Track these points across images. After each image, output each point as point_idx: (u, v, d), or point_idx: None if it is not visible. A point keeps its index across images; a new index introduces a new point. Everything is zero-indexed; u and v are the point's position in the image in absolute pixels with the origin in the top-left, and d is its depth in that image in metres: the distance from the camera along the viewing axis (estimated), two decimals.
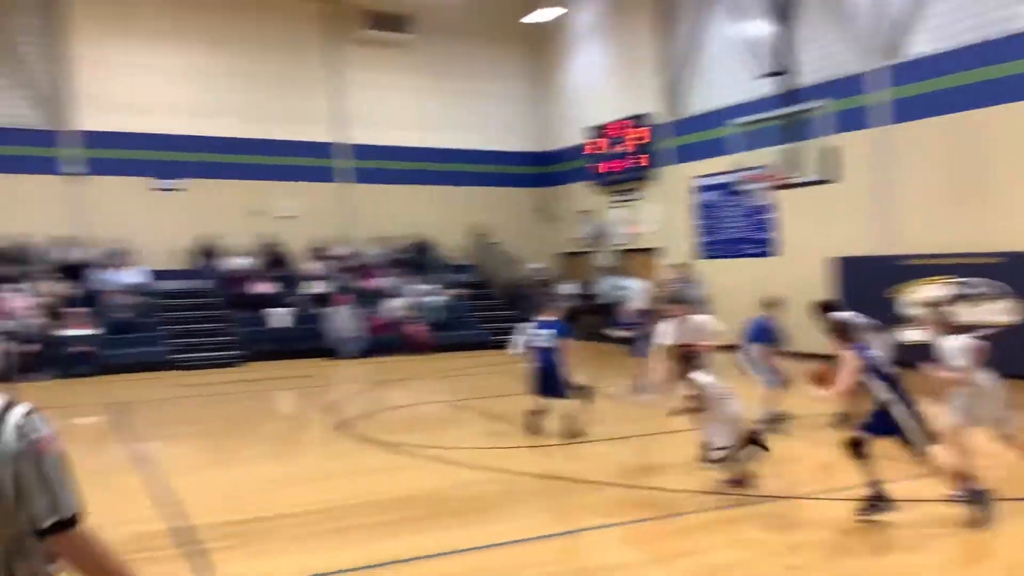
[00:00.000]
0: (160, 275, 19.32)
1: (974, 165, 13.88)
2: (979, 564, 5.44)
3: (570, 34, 23.19)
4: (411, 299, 20.12)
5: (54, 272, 18.18)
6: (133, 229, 19.26)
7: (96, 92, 19.31)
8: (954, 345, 6.25)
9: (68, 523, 2.11)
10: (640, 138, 20.52)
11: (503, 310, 20.36)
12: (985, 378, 6.24)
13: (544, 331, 9.56)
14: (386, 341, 18.99)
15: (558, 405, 9.46)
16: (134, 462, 8.91)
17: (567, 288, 21.72)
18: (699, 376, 7.05)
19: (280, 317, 19.00)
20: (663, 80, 20.02)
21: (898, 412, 5.70)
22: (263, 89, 21.08)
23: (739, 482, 6.86)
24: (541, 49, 23.98)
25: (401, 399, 13.93)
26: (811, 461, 8.24)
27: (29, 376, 15.73)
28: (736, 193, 17.20)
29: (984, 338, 6.68)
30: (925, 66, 14.57)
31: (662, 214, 20.33)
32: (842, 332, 6.11)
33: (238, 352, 17.89)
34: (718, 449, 6.94)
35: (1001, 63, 13.43)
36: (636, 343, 12.03)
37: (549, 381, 9.40)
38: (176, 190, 20.18)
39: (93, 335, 16.80)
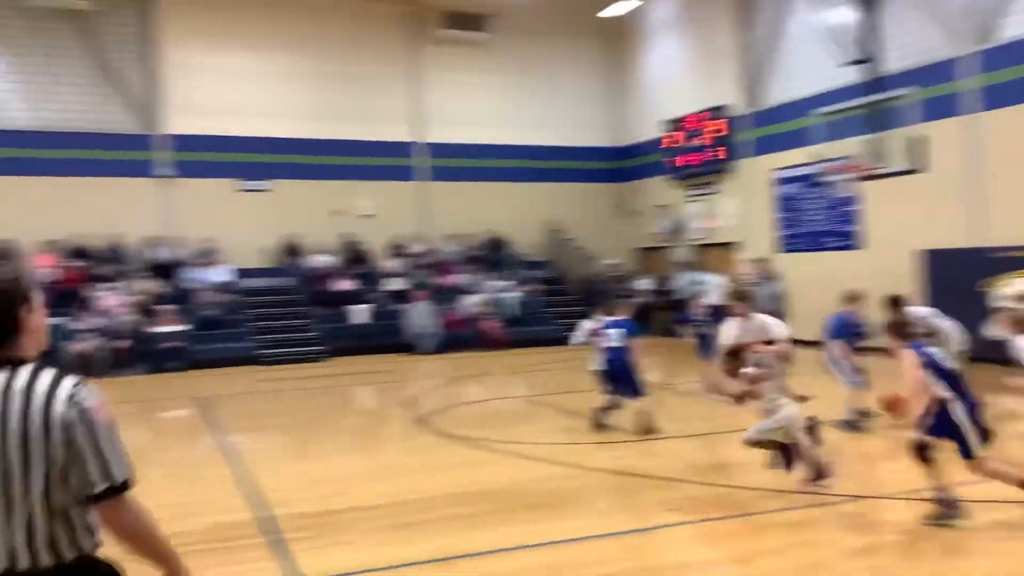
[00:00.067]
0: (245, 273, 19.97)
1: None
2: None
3: (646, 27, 22.95)
4: (486, 295, 20.27)
5: (146, 271, 18.95)
6: (220, 229, 19.95)
7: (185, 97, 20.05)
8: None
9: (119, 488, 2.20)
10: (718, 130, 20.19)
11: (578, 306, 20.31)
12: None
13: (614, 330, 9.57)
14: (462, 337, 19.18)
15: (631, 402, 9.45)
16: (221, 454, 9.23)
17: (643, 284, 21.56)
18: (751, 370, 6.92)
19: (360, 313, 19.39)
20: (742, 71, 19.65)
21: (956, 411, 5.51)
22: (345, 91, 21.51)
23: (820, 475, 6.73)
24: (617, 43, 23.81)
25: (477, 394, 14.07)
26: (892, 461, 7.97)
27: (122, 371, 16.47)
28: (818, 185, 16.79)
29: None
30: (1018, 50, 13.93)
31: (740, 208, 19.97)
32: (899, 330, 5.95)
33: (320, 348, 18.34)
34: (757, 433, 6.80)
35: None
36: (705, 340, 11.83)
37: (620, 379, 9.43)
38: (261, 191, 20.80)
39: (183, 331, 17.46)
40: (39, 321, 2.34)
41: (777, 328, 7.99)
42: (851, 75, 16.03)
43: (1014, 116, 13.94)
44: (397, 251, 21.43)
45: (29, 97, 19.24)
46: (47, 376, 2.20)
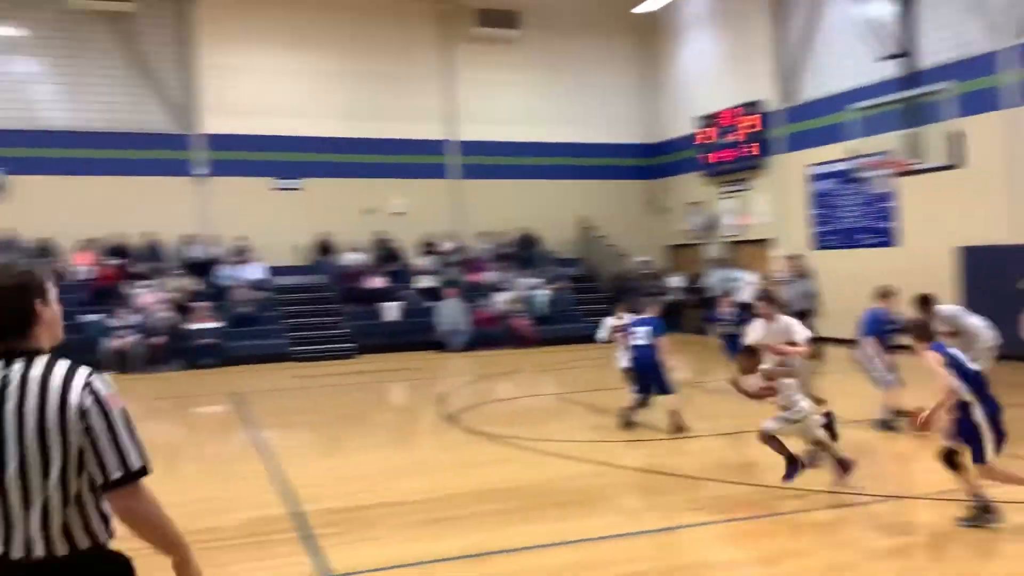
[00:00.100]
0: (279, 271, 20.18)
1: None
2: None
3: (680, 21, 22.81)
4: (517, 293, 20.29)
5: (182, 269, 19.23)
6: (254, 227, 20.18)
7: (220, 97, 20.31)
8: None
9: (135, 476, 2.24)
10: (752, 126, 20.01)
11: (608, 304, 20.25)
12: None
13: (641, 328, 9.58)
14: (492, 334, 19.22)
15: (660, 400, 9.45)
16: (255, 449, 9.34)
17: (674, 281, 21.45)
18: (768, 367, 6.87)
19: (391, 311, 19.51)
20: (776, 65, 19.45)
21: (976, 415, 5.46)
22: (378, 89, 21.64)
23: (845, 467, 6.69)
24: (650, 38, 23.68)
25: (507, 392, 14.10)
26: (924, 461, 7.85)
27: (157, 367, 16.74)
28: (854, 181, 16.57)
29: None
30: None
31: (774, 204, 19.79)
32: (921, 330, 5.92)
33: (351, 345, 18.48)
34: (775, 424, 6.75)
35: None
36: (732, 339, 11.72)
37: (648, 377, 9.45)
38: (294, 189, 21.01)
39: (217, 328, 17.69)
40: (54, 313, 2.39)
41: (800, 331, 7.92)
42: (888, 69, 15.80)
43: None
44: (428, 249, 21.52)
45: (69, 98, 19.61)
46: (62, 366, 2.25)
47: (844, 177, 17.11)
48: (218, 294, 18.80)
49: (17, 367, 2.23)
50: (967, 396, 5.49)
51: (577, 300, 21.08)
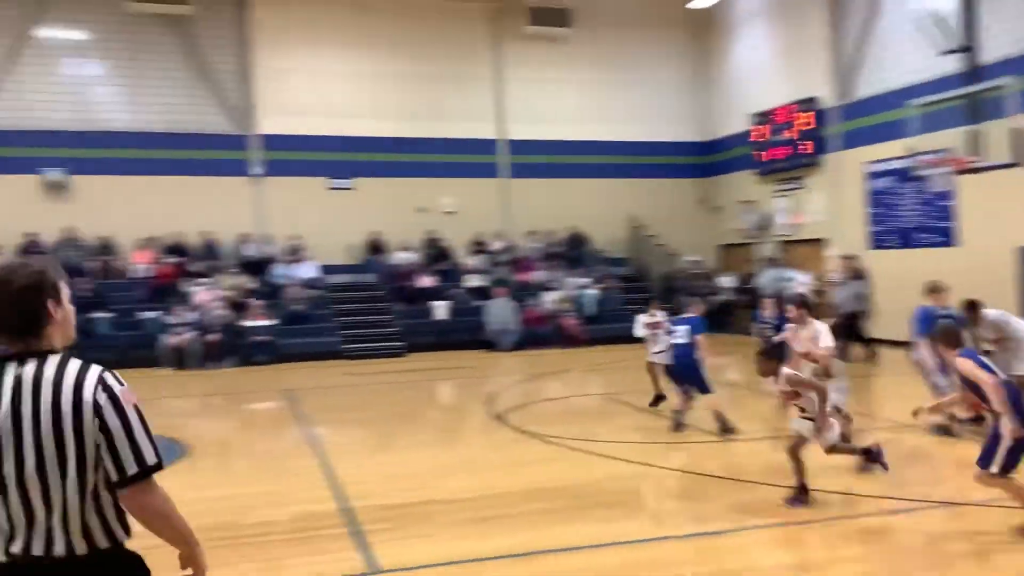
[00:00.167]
0: (330, 270, 20.45)
1: None
2: None
3: (735, 17, 22.53)
4: (566, 292, 20.25)
5: (237, 267, 19.60)
6: (307, 226, 20.48)
7: (275, 98, 20.66)
8: None
9: (150, 471, 2.26)
10: (807, 123, 19.68)
11: (661, 303, 20.12)
12: None
13: (681, 327, 9.57)
14: (541, 334, 19.22)
15: (701, 400, 9.41)
16: (307, 445, 9.49)
17: (725, 281, 21.21)
18: (789, 371, 6.70)
19: (440, 310, 19.63)
20: (833, 61, 19.08)
21: (1002, 425, 5.36)
22: (430, 89, 21.77)
23: (870, 454, 6.60)
24: (704, 34, 23.44)
25: (555, 391, 14.09)
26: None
27: (213, 363, 17.09)
28: (912, 179, 16.19)
29: None
30: None
31: (829, 203, 19.43)
32: (948, 338, 5.84)
33: (401, 343, 18.65)
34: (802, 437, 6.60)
35: None
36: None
37: (686, 376, 9.47)
38: (347, 189, 21.27)
39: (271, 326, 17.99)
40: (67, 313, 2.39)
41: (824, 339, 7.76)
42: (948, 64, 15.41)
43: None
44: (478, 248, 21.61)
45: (130, 100, 20.13)
46: (74, 364, 2.28)
47: (902, 175, 16.74)
48: (272, 292, 19.13)
49: (30, 366, 2.25)
50: (998, 406, 5.40)
51: (626, 300, 20.94)
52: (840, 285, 16.01)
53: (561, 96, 22.63)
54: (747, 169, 21.78)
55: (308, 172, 20.91)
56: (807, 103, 19.61)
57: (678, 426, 9.37)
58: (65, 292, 2.38)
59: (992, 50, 14.86)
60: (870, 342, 15.18)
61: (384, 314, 19.57)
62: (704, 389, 9.37)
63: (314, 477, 7.77)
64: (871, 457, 6.75)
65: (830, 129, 19.21)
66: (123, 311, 17.94)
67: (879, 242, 17.99)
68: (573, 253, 22.12)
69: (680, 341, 9.51)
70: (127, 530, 2.35)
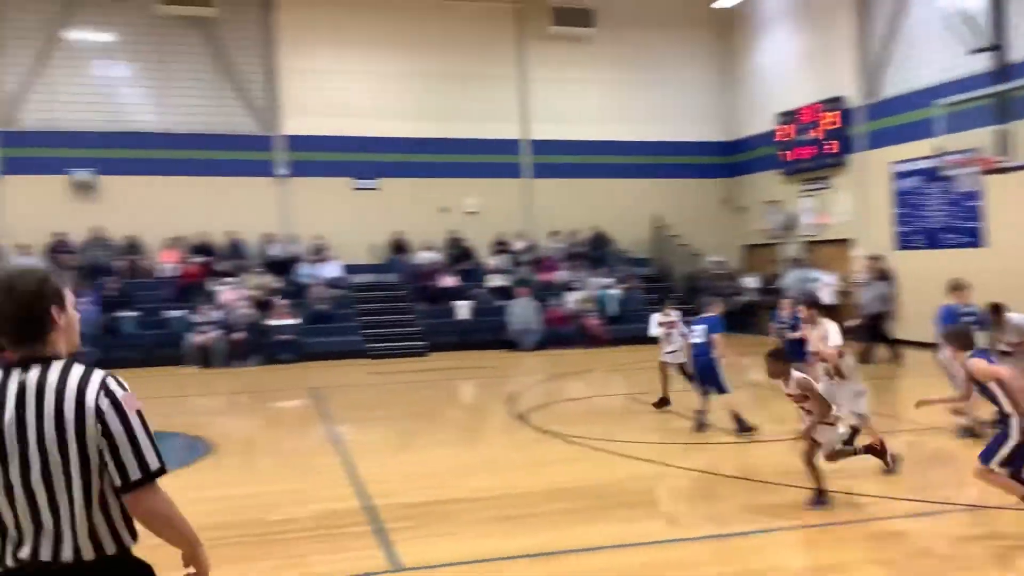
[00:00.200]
0: (354, 269, 20.57)
1: None
2: None
3: (760, 16, 22.40)
4: (588, 292, 20.23)
5: (262, 267, 19.76)
6: (331, 226, 20.61)
7: (300, 99, 20.81)
8: None
9: (154, 476, 2.27)
10: (832, 123, 19.53)
11: (681, 304, 20.04)
12: None
13: (700, 326, 9.57)
14: (563, 334, 19.21)
15: (718, 400, 9.38)
16: (330, 443, 9.56)
17: (749, 281, 21.08)
18: (800, 375, 6.64)
19: (463, 309, 19.68)
20: (859, 60, 18.91)
21: (1013, 426, 5.35)
22: (453, 90, 21.82)
23: (820, 498, 6.36)
24: (728, 33, 23.31)
25: (577, 391, 14.09)
26: None
27: (238, 362, 17.24)
28: (939, 179, 16.01)
29: None
30: None
31: (854, 203, 19.26)
32: (959, 339, 5.82)
33: (423, 342, 18.71)
34: (825, 447, 6.51)
35: None
36: (789, 342, 11.34)
37: (702, 376, 9.45)
38: (370, 189, 21.38)
39: (295, 325, 18.13)
40: (71, 319, 2.40)
41: (832, 338, 7.70)
42: (977, 63, 15.22)
43: None
44: (500, 248, 21.63)
45: (157, 101, 20.37)
46: (77, 370, 2.28)
47: (929, 175, 16.56)
48: (297, 292, 19.27)
49: (34, 373, 2.25)
50: (1008, 408, 5.39)
51: (648, 300, 20.85)
52: (865, 286, 15.87)
53: (584, 96, 22.60)
54: (772, 169, 21.64)
55: (332, 172, 21.04)
56: (833, 102, 19.45)
57: (700, 426, 9.35)
58: (69, 298, 2.39)
59: (1021, 48, 14.66)
60: (895, 343, 15.03)
61: (407, 313, 19.65)
62: (720, 389, 9.34)
63: (337, 475, 7.82)
64: (875, 453, 6.73)
65: (856, 128, 19.04)
66: (149, 310, 18.16)
67: (905, 243, 17.81)
68: (596, 253, 22.08)
69: (698, 340, 9.53)
70: (134, 535, 2.36)
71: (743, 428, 9.05)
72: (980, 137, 14.40)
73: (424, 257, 20.78)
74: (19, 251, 18.36)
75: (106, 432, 2.23)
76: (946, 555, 5.34)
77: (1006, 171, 14.10)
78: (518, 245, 21.75)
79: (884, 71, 18.34)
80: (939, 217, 17.02)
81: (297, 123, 20.84)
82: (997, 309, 8.58)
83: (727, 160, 23.58)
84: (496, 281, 20.48)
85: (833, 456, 6.54)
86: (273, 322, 17.92)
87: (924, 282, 15.29)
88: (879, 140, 18.45)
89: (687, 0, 22.79)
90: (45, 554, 2.24)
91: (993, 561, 5.27)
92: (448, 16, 21.78)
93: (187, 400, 14.09)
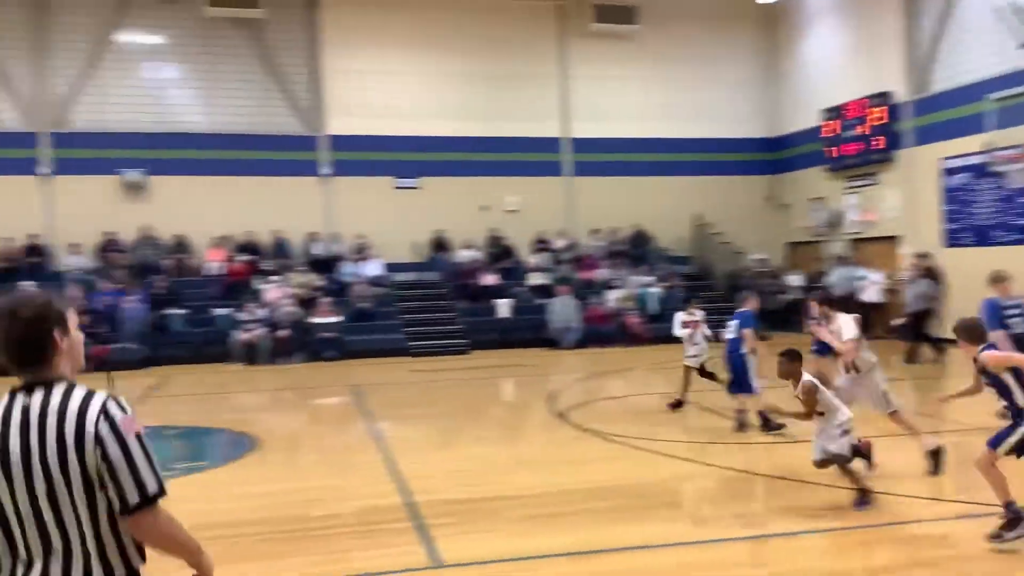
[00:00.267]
0: (396, 267, 20.75)
1: None
2: None
3: (805, 10, 22.10)
4: (629, 290, 20.15)
5: (306, 265, 20.03)
6: (373, 225, 20.81)
7: (344, 99, 21.03)
8: None
9: (152, 500, 2.29)
10: (879, 119, 19.19)
11: (721, 302, 19.86)
12: None
13: (733, 322, 9.53)
14: (603, 332, 19.17)
15: (749, 399, 9.29)
16: (372, 440, 9.67)
17: (793, 280, 20.82)
18: (811, 378, 6.50)
19: (503, 307, 19.73)
20: (907, 55, 18.56)
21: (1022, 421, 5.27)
22: (495, 88, 21.86)
23: (864, 498, 6.26)
24: (773, 29, 23.04)
25: (618, 390, 14.07)
26: None
27: (282, 359, 17.50)
28: (990, 175, 15.67)
29: None
30: None
31: (902, 199, 18.91)
32: (970, 332, 5.63)
33: (464, 341, 18.81)
34: (831, 456, 6.37)
35: None
36: (818, 340, 11.17)
37: (735, 372, 9.40)
38: (412, 188, 21.54)
39: (338, 323, 18.34)
40: (74, 342, 2.41)
41: (846, 332, 7.55)
42: None
43: None
44: (541, 246, 21.65)
45: (205, 102, 20.74)
46: (79, 393, 2.31)
47: (979, 171, 16.21)
48: (340, 290, 19.49)
49: (38, 396, 2.28)
50: (1022, 401, 5.30)
51: (689, 298, 20.70)
52: (910, 284, 15.60)
53: (626, 93, 22.50)
54: (817, 165, 21.34)
55: (375, 172, 21.23)
56: (880, 98, 19.13)
57: (741, 426, 9.27)
58: (72, 321, 2.42)
59: None
60: (938, 342, 14.73)
61: (448, 312, 19.77)
62: (743, 388, 9.24)
63: (379, 472, 7.92)
64: (860, 453, 6.62)
65: (904, 124, 18.70)
66: (196, 308, 18.51)
67: (954, 240, 17.45)
68: (637, 251, 21.98)
69: (730, 335, 9.49)
70: (143, 556, 2.39)
71: (771, 427, 8.97)
72: None
73: (465, 255, 20.88)
74: (70, 250, 18.88)
75: (105, 457, 2.25)
76: (992, 558, 5.24)
77: None
78: (559, 243, 21.74)
79: (932, 65, 17.98)
80: (989, 214, 16.65)
81: (340, 123, 21.07)
82: None
83: (771, 157, 23.31)
84: (537, 279, 20.50)
85: (823, 464, 6.41)
86: (316, 320, 18.15)
87: (973, 280, 14.91)
88: (927, 136, 18.09)
89: None
90: (55, 575, 2.27)
91: None
92: (490, 15, 21.84)
93: (233, 396, 14.36)
